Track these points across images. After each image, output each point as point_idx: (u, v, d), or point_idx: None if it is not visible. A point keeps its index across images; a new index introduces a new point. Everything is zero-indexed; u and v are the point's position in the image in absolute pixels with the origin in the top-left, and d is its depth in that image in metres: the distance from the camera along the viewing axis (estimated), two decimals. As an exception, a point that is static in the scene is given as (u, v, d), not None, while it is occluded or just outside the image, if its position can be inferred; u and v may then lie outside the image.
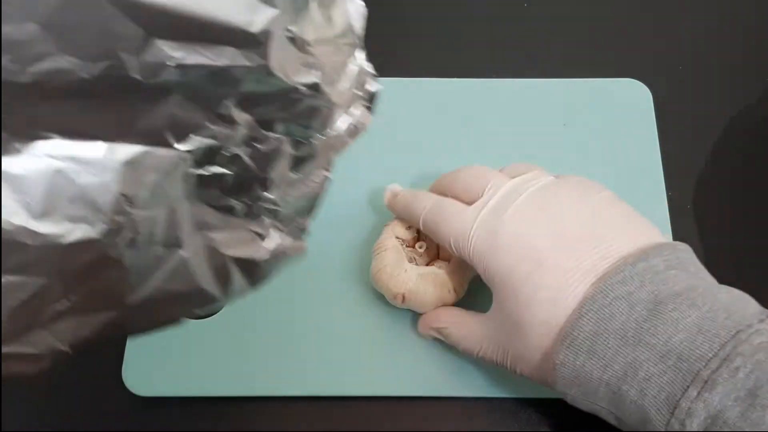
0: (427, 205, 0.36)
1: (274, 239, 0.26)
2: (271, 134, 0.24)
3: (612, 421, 0.30)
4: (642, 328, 0.28)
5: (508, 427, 0.37)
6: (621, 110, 0.44)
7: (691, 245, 0.32)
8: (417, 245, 0.38)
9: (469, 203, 0.34)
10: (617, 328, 0.28)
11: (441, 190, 0.37)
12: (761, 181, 0.43)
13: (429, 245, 0.38)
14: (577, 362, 0.29)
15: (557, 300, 0.30)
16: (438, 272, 0.37)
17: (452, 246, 0.34)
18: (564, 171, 0.36)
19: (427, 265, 0.38)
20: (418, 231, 0.38)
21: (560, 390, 0.30)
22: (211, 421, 0.37)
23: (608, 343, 0.28)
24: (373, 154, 0.43)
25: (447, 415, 0.37)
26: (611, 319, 0.28)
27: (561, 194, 0.33)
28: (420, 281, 0.36)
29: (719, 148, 0.44)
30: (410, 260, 0.37)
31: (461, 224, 0.33)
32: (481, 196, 0.34)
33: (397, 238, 0.38)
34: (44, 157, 0.21)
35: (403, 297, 0.36)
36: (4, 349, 0.22)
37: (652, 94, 0.45)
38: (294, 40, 0.23)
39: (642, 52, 0.48)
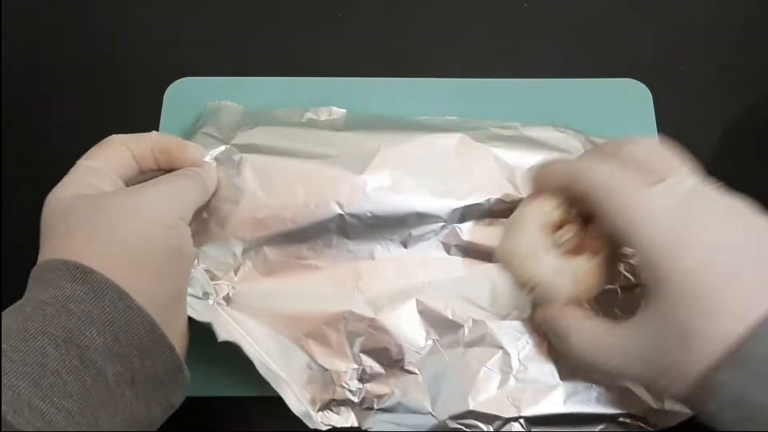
0: (597, 172, 0.31)
1: None
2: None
3: None
4: None
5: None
6: (621, 110, 0.44)
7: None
8: (561, 231, 0.33)
9: (647, 182, 0.30)
10: None
11: (609, 156, 0.32)
12: (761, 181, 0.43)
13: (574, 235, 0.33)
14: (742, 385, 0.26)
15: (744, 316, 0.26)
16: (581, 267, 0.32)
17: (621, 227, 0.30)
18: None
19: (566, 255, 0.33)
20: (565, 215, 0.33)
21: (712, 411, 0.27)
22: (210, 422, 0.37)
23: None
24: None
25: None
26: None
27: (743, 206, 0.30)
28: (558, 274, 0.32)
29: (719, 148, 0.44)
30: (549, 248, 0.33)
31: (646, 204, 0.29)
32: (665, 181, 0.30)
33: (539, 218, 0.33)
34: None
35: (533, 287, 0.33)
36: None
37: (652, 94, 0.45)
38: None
39: (642, 52, 0.48)
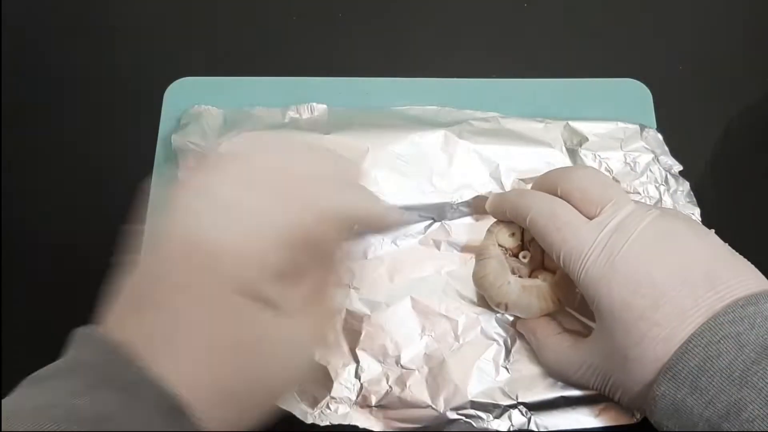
0: (538, 205, 0.34)
1: None
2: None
3: None
4: (750, 370, 0.27)
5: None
6: (621, 110, 0.44)
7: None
8: (521, 255, 0.37)
9: (585, 213, 0.33)
10: (724, 366, 0.28)
11: (551, 187, 0.35)
12: (761, 181, 0.43)
13: (533, 255, 0.37)
14: (678, 396, 0.28)
15: (671, 339, 0.29)
16: (542, 285, 0.35)
17: (561, 260, 0.32)
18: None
19: (530, 274, 0.37)
20: (522, 239, 0.37)
21: (657, 421, 0.30)
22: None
23: (713, 380, 0.28)
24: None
25: None
26: (718, 357, 0.28)
27: (679, 228, 0.32)
28: (523, 294, 0.35)
29: (719, 148, 0.44)
30: (513, 270, 0.36)
31: (576, 241, 0.32)
32: (599, 213, 0.32)
33: (500, 246, 0.37)
34: None
35: (506, 306, 0.36)
36: None
37: (652, 94, 0.45)
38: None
39: (642, 52, 0.48)
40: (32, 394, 0.23)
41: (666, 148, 0.42)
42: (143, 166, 0.42)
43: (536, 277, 0.36)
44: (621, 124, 0.43)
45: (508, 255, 0.37)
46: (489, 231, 0.38)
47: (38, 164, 0.45)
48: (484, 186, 0.41)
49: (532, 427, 0.36)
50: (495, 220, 0.38)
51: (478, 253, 0.37)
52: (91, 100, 0.47)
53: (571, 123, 0.43)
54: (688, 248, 0.31)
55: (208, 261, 0.25)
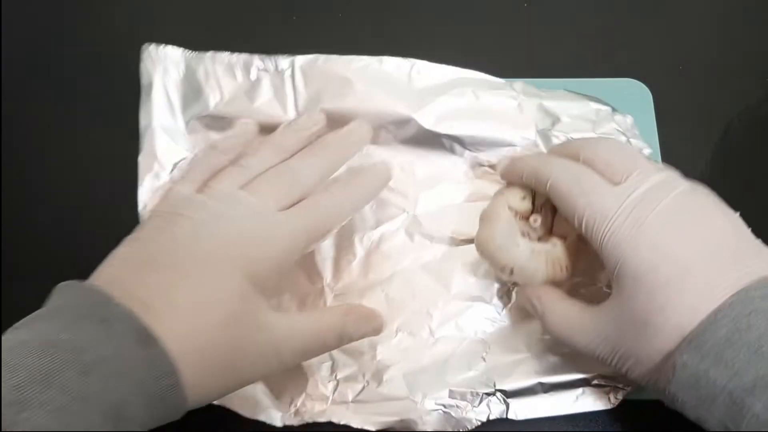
0: (560, 169, 0.33)
1: None
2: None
3: None
4: None
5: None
6: (621, 110, 0.44)
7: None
8: (531, 218, 0.36)
9: (609, 181, 0.32)
10: (752, 340, 0.27)
11: (572, 154, 0.34)
12: (761, 181, 0.43)
13: (543, 220, 0.36)
14: (701, 366, 0.28)
15: (697, 308, 0.29)
16: (552, 250, 0.35)
17: (583, 224, 0.32)
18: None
19: (539, 239, 0.36)
20: (533, 203, 0.36)
21: (672, 392, 0.29)
22: (209, 422, 0.37)
23: (739, 353, 0.27)
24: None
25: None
26: (747, 330, 0.27)
27: (707, 204, 0.32)
28: (532, 257, 0.35)
29: (719, 148, 0.44)
30: (523, 234, 0.35)
31: (602, 205, 0.31)
32: (625, 180, 0.32)
33: (510, 208, 0.36)
34: None
35: (512, 270, 0.35)
36: None
37: (652, 94, 0.45)
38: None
39: (642, 52, 0.48)
40: (15, 335, 0.26)
41: (637, 132, 0.42)
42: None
43: (545, 243, 0.35)
44: (594, 105, 0.42)
45: (517, 219, 0.36)
46: (498, 193, 0.37)
47: (38, 164, 0.45)
48: (455, 179, 0.41)
49: (511, 415, 0.36)
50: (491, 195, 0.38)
51: (486, 215, 0.36)
52: (91, 99, 0.47)
53: (544, 102, 0.42)
54: (716, 225, 0.31)
55: (227, 245, 0.30)
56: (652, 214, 0.30)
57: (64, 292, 0.28)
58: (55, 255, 0.31)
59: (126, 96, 0.42)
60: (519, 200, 0.36)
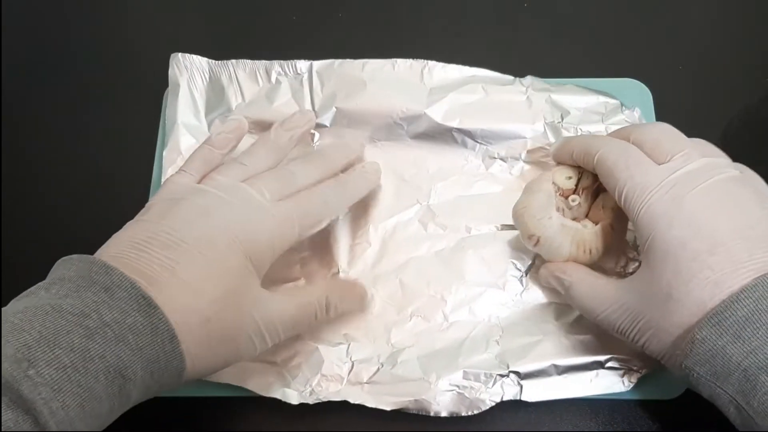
0: (609, 144, 0.35)
1: None
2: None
3: (730, 409, 0.30)
4: None
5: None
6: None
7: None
8: (570, 198, 0.37)
9: (655, 160, 0.33)
10: None
11: (624, 136, 0.36)
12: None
13: (582, 202, 0.37)
14: (719, 342, 0.29)
15: (720, 284, 0.29)
16: (581, 230, 0.36)
17: (622, 196, 0.33)
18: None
19: (573, 220, 0.37)
20: (577, 185, 0.38)
21: (689, 365, 0.30)
22: (208, 421, 0.37)
23: (758, 332, 0.28)
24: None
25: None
26: None
27: (746, 190, 0.32)
28: (560, 232, 0.36)
29: (719, 148, 0.44)
30: (558, 209, 0.37)
31: (644, 177, 0.32)
32: (669, 160, 0.33)
33: (554, 184, 0.37)
34: None
35: (538, 240, 0.36)
36: None
37: (652, 94, 0.45)
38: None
39: (642, 52, 0.48)
40: (20, 303, 0.28)
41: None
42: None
43: (577, 223, 0.37)
44: (602, 98, 0.43)
45: (557, 195, 0.37)
46: (546, 171, 0.39)
47: (38, 165, 0.45)
48: (465, 172, 0.43)
49: (525, 397, 0.36)
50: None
51: (529, 185, 0.38)
52: (92, 99, 0.47)
53: (553, 96, 0.43)
54: (752, 211, 0.31)
55: (227, 227, 0.32)
56: (691, 193, 0.31)
57: (67, 265, 0.30)
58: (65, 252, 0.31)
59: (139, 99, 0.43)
60: (564, 179, 0.37)
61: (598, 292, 0.34)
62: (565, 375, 0.37)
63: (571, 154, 0.37)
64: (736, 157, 0.44)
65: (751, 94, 0.46)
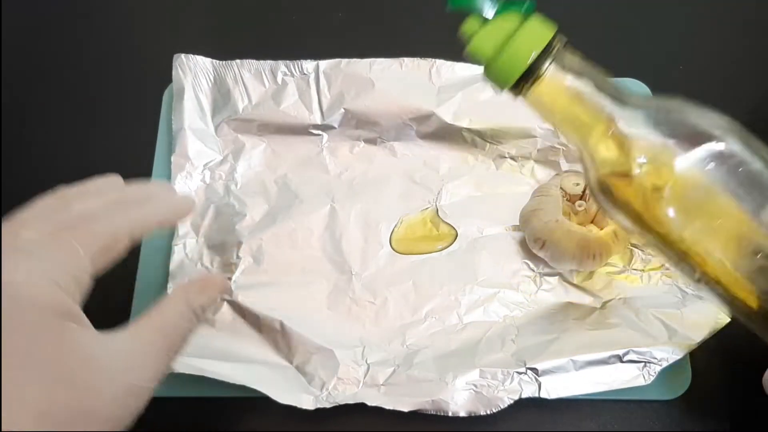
0: None
1: None
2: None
3: None
4: None
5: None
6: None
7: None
8: (577, 203, 0.38)
9: None
10: None
11: None
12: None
13: (588, 208, 0.38)
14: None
15: None
16: (587, 235, 0.37)
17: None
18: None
19: (580, 225, 0.38)
20: (584, 191, 0.38)
21: None
22: (208, 421, 0.37)
23: None
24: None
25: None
26: None
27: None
28: (565, 237, 0.37)
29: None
30: (565, 214, 0.38)
31: None
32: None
33: (561, 189, 0.38)
34: None
35: (544, 244, 0.37)
36: None
37: (652, 94, 0.45)
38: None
39: (642, 52, 0.48)
40: None
41: None
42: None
43: (584, 228, 0.38)
44: None
45: (565, 200, 0.38)
46: (556, 175, 0.40)
47: (38, 164, 0.45)
48: (472, 175, 0.43)
49: (543, 394, 0.35)
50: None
51: (538, 190, 0.39)
52: (92, 99, 0.47)
53: None
54: None
55: (21, 291, 0.25)
56: None
57: None
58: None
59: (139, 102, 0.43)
60: (572, 185, 0.38)
61: None
62: (583, 370, 0.36)
63: None
64: (736, 157, 0.44)
65: (751, 94, 0.46)
